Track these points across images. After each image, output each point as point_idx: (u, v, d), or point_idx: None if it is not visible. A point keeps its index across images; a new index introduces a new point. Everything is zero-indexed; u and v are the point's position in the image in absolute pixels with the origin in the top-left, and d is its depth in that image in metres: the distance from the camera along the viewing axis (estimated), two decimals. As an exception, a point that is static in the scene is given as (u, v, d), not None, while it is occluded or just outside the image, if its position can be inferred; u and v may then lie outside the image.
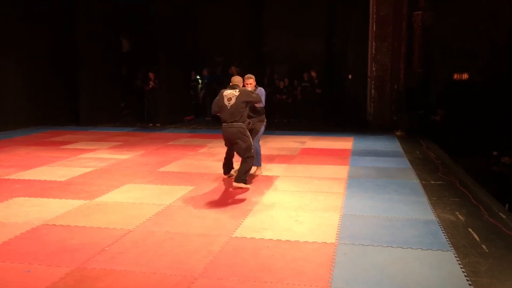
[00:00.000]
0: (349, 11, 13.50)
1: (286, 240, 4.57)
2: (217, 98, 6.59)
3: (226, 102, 6.37)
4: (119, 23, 15.32)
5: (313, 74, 14.20)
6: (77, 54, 13.86)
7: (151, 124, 13.81)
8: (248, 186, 6.51)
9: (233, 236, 4.71)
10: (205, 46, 16.30)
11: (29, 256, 4.20)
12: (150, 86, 13.81)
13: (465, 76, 13.71)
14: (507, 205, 6.57)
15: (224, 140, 6.64)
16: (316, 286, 3.63)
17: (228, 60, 15.48)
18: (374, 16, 12.60)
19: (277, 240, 4.59)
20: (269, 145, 10.05)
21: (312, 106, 14.26)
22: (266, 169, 7.69)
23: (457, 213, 5.44)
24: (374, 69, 12.74)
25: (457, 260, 4.08)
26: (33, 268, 3.97)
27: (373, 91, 12.84)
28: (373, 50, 12.70)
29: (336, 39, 14.02)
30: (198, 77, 15.63)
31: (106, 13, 14.50)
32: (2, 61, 12.68)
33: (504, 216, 5.34)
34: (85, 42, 13.88)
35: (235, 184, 6.46)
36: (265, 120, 7.26)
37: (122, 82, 15.63)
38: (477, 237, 4.64)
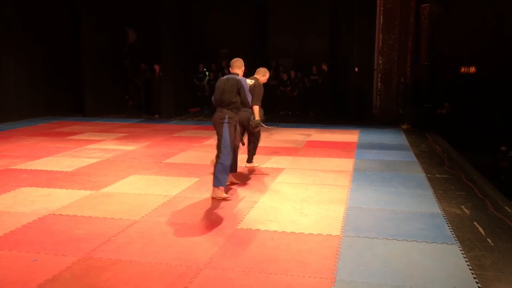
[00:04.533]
0: (354, 3, 13.40)
1: (291, 232, 4.58)
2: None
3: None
4: (124, 14, 15.29)
5: (324, 67, 14.10)
6: (82, 45, 13.86)
7: (157, 116, 13.84)
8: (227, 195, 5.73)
9: (238, 227, 4.72)
10: (211, 39, 16.26)
11: (36, 245, 4.24)
12: (157, 75, 13.84)
13: (472, 69, 13.61)
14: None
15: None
16: (321, 278, 3.64)
17: (233, 53, 15.44)
18: (381, 8, 12.51)
19: (282, 232, 4.60)
20: (275, 137, 10.04)
21: (320, 99, 14.19)
22: (272, 162, 7.70)
23: (462, 206, 5.43)
24: (380, 62, 12.68)
25: (462, 254, 4.08)
26: (40, 257, 4.00)
27: (379, 84, 12.79)
28: (380, 42, 12.63)
29: (341, 31, 13.94)
30: (205, 69, 15.62)
31: (110, 5, 14.48)
32: (7, 52, 12.70)
33: (509, 210, 5.32)
34: (89, 33, 13.87)
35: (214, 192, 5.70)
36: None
37: (127, 74, 15.64)
38: (482, 231, 4.64)
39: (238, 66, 5.86)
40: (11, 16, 12.78)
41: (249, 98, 5.79)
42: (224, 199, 5.64)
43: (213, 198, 5.66)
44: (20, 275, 3.69)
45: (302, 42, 15.61)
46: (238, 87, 5.63)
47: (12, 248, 4.19)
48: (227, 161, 5.57)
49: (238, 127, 5.84)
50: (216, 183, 5.60)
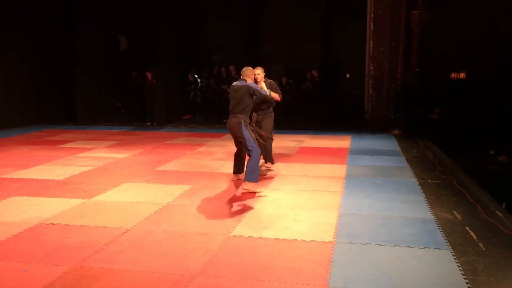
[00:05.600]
0: (345, 9, 13.51)
1: (284, 239, 4.58)
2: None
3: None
4: (117, 21, 15.27)
5: (314, 73, 14.18)
6: (74, 52, 13.83)
7: (148, 123, 13.82)
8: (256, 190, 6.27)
9: (231, 235, 4.71)
10: (203, 45, 16.29)
11: (26, 255, 4.20)
12: (150, 82, 13.82)
13: (462, 75, 13.74)
14: (504, 203, 6.60)
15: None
16: (314, 285, 3.64)
17: (225, 59, 15.50)
18: (372, 15, 12.60)
19: (275, 239, 4.59)
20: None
21: (313, 105, 14.24)
22: (264, 168, 7.70)
23: (454, 211, 5.46)
24: (371, 68, 12.75)
25: (454, 259, 4.09)
26: (31, 267, 3.97)
27: (370, 90, 12.85)
28: (371, 49, 12.71)
29: (333, 38, 14.03)
30: (196, 76, 15.63)
31: (104, 12, 14.47)
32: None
33: (501, 215, 5.35)
34: (81, 41, 13.85)
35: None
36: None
37: (119, 81, 15.59)
38: (474, 236, 4.66)
39: (248, 75, 6.47)
40: (2, 25, 12.73)
41: (265, 93, 6.55)
42: (255, 192, 6.19)
43: (244, 189, 6.22)
44: (10, 286, 3.65)
45: (295, 48, 15.67)
46: (251, 92, 6.29)
47: (3, 258, 4.15)
48: (258, 157, 6.26)
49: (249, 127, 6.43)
50: (249, 178, 6.17)
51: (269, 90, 7.02)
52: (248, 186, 6.20)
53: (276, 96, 7.19)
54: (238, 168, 6.86)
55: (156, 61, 13.77)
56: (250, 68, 6.57)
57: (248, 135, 6.24)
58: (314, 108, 14.19)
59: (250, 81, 6.44)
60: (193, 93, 15.48)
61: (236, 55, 14.81)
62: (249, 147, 6.22)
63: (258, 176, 6.28)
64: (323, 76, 14.14)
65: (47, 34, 13.88)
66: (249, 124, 6.43)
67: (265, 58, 15.25)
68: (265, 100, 7.17)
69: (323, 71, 14.18)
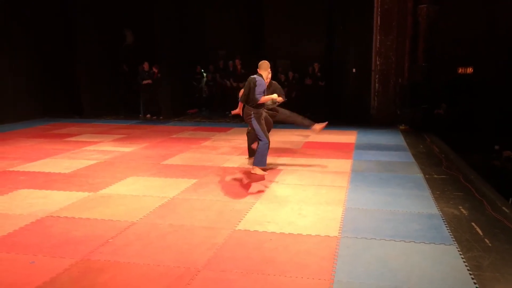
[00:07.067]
0: (351, 4, 13.43)
1: (289, 233, 4.58)
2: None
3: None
4: (121, 15, 15.26)
5: (316, 66, 14.14)
6: (79, 45, 13.85)
7: (154, 117, 13.84)
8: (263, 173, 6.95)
9: (236, 229, 4.73)
10: (208, 40, 16.27)
11: (33, 248, 4.23)
12: (155, 76, 13.83)
13: (469, 70, 13.65)
14: (510, 199, 6.57)
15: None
16: (319, 279, 3.64)
17: (230, 54, 15.47)
18: (379, 10, 12.52)
19: (280, 233, 4.60)
20: (273, 138, 9.96)
21: (315, 100, 14.21)
22: (270, 163, 7.69)
23: (460, 207, 5.44)
24: (378, 63, 12.69)
25: (460, 254, 4.08)
26: (38, 260, 4.00)
27: (377, 85, 12.80)
28: (378, 43, 12.64)
29: (338, 32, 13.96)
30: (202, 70, 15.62)
31: (108, 5, 14.47)
32: (3, 54, 12.68)
33: (507, 211, 5.33)
34: (86, 34, 13.88)
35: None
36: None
37: (125, 75, 15.58)
38: (480, 231, 4.64)
39: (264, 68, 6.78)
40: (8, 18, 12.77)
41: (258, 96, 6.57)
42: (262, 175, 6.84)
43: (252, 173, 6.90)
44: (17, 278, 3.68)
45: (299, 43, 15.61)
46: (251, 86, 6.59)
47: (10, 251, 4.18)
48: (266, 144, 6.81)
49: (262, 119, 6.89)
50: (256, 163, 6.87)
51: (275, 95, 7.00)
52: (256, 170, 6.90)
53: (280, 99, 7.16)
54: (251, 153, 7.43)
55: (161, 55, 13.76)
56: (265, 61, 6.82)
57: (258, 126, 6.75)
58: (317, 103, 14.14)
59: (265, 75, 6.77)
60: (200, 86, 15.48)
61: (241, 49, 14.77)
62: (259, 137, 6.80)
63: (265, 161, 6.93)
64: (328, 71, 14.10)
65: (52, 28, 13.87)
66: (260, 116, 6.79)
67: (270, 52, 15.22)
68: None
69: (328, 66, 14.13)
